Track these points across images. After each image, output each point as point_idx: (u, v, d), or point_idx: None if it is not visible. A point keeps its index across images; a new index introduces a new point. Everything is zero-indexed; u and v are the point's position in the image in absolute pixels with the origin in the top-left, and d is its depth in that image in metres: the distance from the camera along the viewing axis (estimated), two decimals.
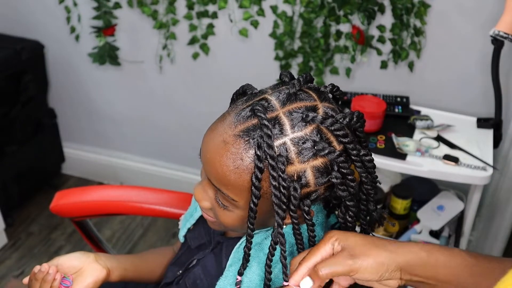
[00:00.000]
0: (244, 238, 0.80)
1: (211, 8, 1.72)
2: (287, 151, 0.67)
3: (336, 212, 0.83)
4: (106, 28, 1.83)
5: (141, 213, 1.26)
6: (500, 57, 1.36)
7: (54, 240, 2.02)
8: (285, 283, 0.70)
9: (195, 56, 1.82)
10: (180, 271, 0.92)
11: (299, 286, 0.68)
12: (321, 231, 0.81)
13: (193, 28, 1.76)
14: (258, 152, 0.67)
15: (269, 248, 0.73)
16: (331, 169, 0.69)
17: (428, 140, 1.48)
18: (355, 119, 0.71)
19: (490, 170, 1.37)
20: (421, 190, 1.65)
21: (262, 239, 0.80)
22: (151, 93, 2.01)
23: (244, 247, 0.75)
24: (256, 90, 0.75)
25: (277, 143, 0.67)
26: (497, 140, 1.51)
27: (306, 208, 0.70)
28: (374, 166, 0.74)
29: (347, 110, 0.73)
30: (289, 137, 0.68)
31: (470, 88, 1.63)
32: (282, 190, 0.67)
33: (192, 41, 1.78)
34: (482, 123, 1.53)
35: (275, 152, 0.67)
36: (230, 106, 0.76)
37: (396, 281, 0.69)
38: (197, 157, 0.76)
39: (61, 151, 2.27)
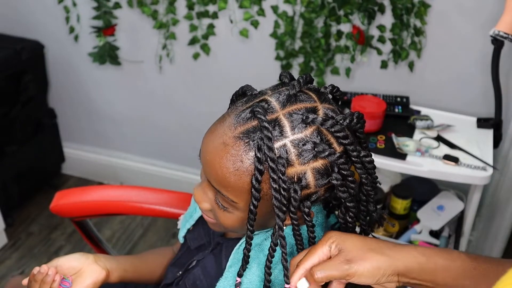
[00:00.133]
0: (243, 239, 0.80)
1: (211, 8, 1.72)
2: (287, 153, 0.67)
3: (336, 212, 0.83)
4: (106, 28, 1.83)
5: (141, 213, 1.26)
6: (500, 57, 1.36)
7: (54, 240, 2.02)
8: (287, 286, 0.70)
9: (196, 56, 1.82)
10: (180, 272, 0.92)
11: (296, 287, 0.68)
12: (321, 232, 0.81)
13: (193, 28, 1.76)
14: (258, 154, 0.66)
15: (269, 250, 0.73)
16: (331, 170, 0.69)
17: (428, 140, 1.48)
18: (355, 120, 0.71)
19: (490, 170, 1.37)
20: (421, 190, 1.65)
21: (262, 240, 0.80)
22: (151, 93, 2.01)
23: (243, 249, 0.75)
24: (256, 91, 0.74)
25: (277, 145, 0.67)
26: (497, 140, 1.51)
27: (306, 210, 0.70)
28: (374, 167, 0.74)
29: (347, 111, 0.73)
30: (289, 139, 0.67)
31: (470, 88, 1.63)
32: (283, 192, 0.67)
33: (193, 41, 1.78)
34: (482, 123, 1.53)
35: (275, 154, 0.66)
36: (229, 107, 0.76)
37: (394, 284, 0.69)
38: (197, 157, 0.75)
39: (61, 151, 2.27)
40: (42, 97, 2.12)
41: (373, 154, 0.76)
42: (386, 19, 1.59)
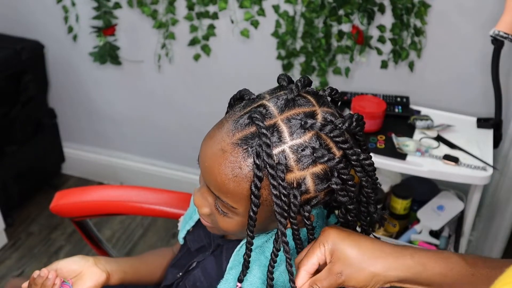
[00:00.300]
0: (243, 241, 0.80)
1: (211, 8, 1.72)
2: (286, 159, 0.67)
3: (336, 212, 0.83)
4: (106, 28, 1.83)
5: (141, 213, 1.26)
6: (500, 57, 1.36)
7: (54, 240, 2.02)
8: None
9: (197, 57, 1.82)
10: (180, 273, 0.91)
11: None
12: None
13: (193, 29, 1.76)
14: (257, 161, 0.66)
15: (271, 255, 0.73)
16: (331, 175, 0.69)
17: (428, 140, 1.48)
18: (354, 123, 0.70)
19: (490, 170, 1.37)
20: (421, 190, 1.65)
21: (262, 242, 0.80)
22: (151, 93, 2.01)
23: (244, 254, 0.75)
24: (254, 95, 0.73)
25: (276, 151, 0.67)
26: (497, 140, 1.51)
27: (307, 214, 0.70)
28: (374, 170, 0.73)
29: (346, 113, 0.73)
30: (288, 144, 0.67)
31: (470, 88, 1.63)
32: (283, 198, 0.67)
33: (193, 42, 1.78)
34: (482, 123, 1.53)
35: (274, 161, 0.66)
36: (227, 111, 0.75)
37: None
38: (197, 157, 0.75)
39: (61, 151, 2.27)
40: (42, 97, 2.12)
41: (373, 154, 0.76)
42: (386, 19, 1.59)
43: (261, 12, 1.67)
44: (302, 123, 0.68)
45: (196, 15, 1.74)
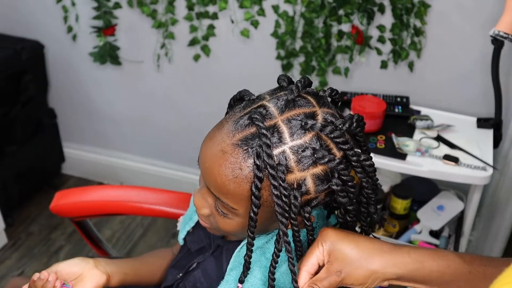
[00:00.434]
0: (244, 242, 0.80)
1: (211, 9, 1.72)
2: (286, 159, 0.67)
3: (336, 212, 0.83)
4: (106, 28, 1.83)
5: (141, 213, 1.26)
6: (500, 57, 1.36)
7: (54, 240, 2.02)
8: None
9: (197, 57, 1.82)
10: (180, 274, 0.91)
11: None
12: None
13: (193, 29, 1.76)
14: (258, 162, 0.66)
15: (272, 256, 0.73)
16: (331, 176, 0.69)
17: (428, 140, 1.48)
18: (354, 124, 0.70)
19: (490, 170, 1.37)
20: (421, 190, 1.65)
21: (263, 243, 0.79)
22: (151, 93, 2.01)
23: (244, 255, 0.74)
24: (254, 96, 0.73)
25: (276, 151, 0.66)
26: (497, 140, 1.51)
27: (307, 215, 0.70)
28: (374, 170, 0.73)
29: (346, 113, 0.73)
30: (288, 145, 0.67)
31: (470, 88, 1.63)
32: (284, 199, 0.67)
33: (193, 42, 1.78)
34: (482, 123, 1.53)
35: (274, 162, 0.66)
36: (227, 112, 0.75)
37: (385, 285, 0.70)
38: (196, 157, 0.75)
39: (61, 151, 2.27)
40: (42, 97, 2.12)
41: (373, 154, 0.76)
42: (386, 19, 1.59)
43: (261, 12, 1.67)
44: (303, 123, 0.67)
45: (196, 15, 1.74)
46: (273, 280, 0.73)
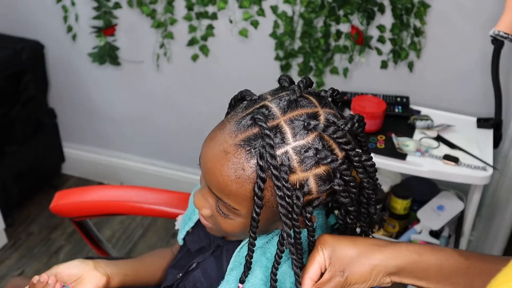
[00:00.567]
0: (244, 242, 0.80)
1: (210, 9, 1.72)
2: (289, 160, 0.67)
3: (336, 212, 0.83)
4: (107, 28, 1.83)
5: (141, 213, 1.26)
6: (500, 57, 1.36)
7: (54, 240, 2.02)
8: None
9: (195, 57, 1.82)
10: (180, 274, 0.91)
11: None
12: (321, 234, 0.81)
13: (192, 29, 1.76)
14: (261, 162, 0.66)
15: (275, 257, 0.72)
16: (333, 176, 0.69)
17: (428, 140, 1.48)
18: (356, 125, 0.70)
19: (490, 170, 1.37)
20: (421, 190, 1.65)
21: (263, 243, 0.79)
22: (151, 93, 2.01)
23: (246, 255, 0.74)
24: (255, 96, 0.73)
25: (279, 152, 0.66)
26: (497, 140, 1.51)
27: (308, 215, 0.70)
28: (375, 171, 0.73)
29: (346, 113, 0.73)
30: (291, 145, 0.67)
31: (470, 88, 1.63)
32: (287, 199, 0.67)
33: (192, 42, 1.78)
34: (482, 123, 1.53)
35: (277, 162, 0.66)
36: (228, 112, 0.75)
37: (388, 283, 0.70)
38: (197, 157, 0.75)
39: (61, 151, 2.27)
40: (42, 97, 2.12)
41: (373, 154, 0.76)
42: (386, 19, 1.59)
43: (261, 13, 1.67)
44: (305, 124, 0.67)
45: (195, 15, 1.74)
46: (275, 280, 0.73)
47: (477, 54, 1.56)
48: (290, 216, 0.68)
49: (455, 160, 1.39)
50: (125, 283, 0.94)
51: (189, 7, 1.73)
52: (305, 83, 0.71)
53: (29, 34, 2.01)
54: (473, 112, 1.60)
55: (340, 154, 0.69)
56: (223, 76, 1.87)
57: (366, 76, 1.71)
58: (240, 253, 0.80)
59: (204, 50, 1.79)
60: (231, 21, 1.71)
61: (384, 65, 1.65)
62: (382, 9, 1.56)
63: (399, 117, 1.56)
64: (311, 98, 0.71)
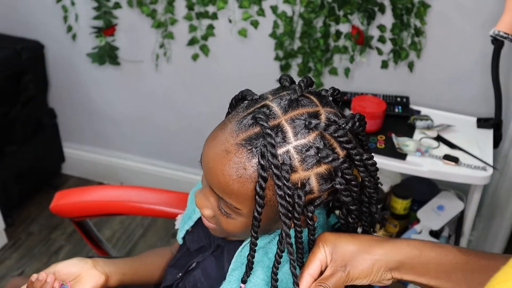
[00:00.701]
0: (246, 242, 0.80)
1: (211, 9, 1.72)
2: (290, 159, 0.67)
3: (337, 212, 0.83)
4: (107, 28, 1.83)
5: (141, 213, 1.26)
6: (500, 57, 1.36)
7: (54, 240, 2.02)
8: None
9: (195, 57, 1.82)
10: (180, 274, 0.91)
11: None
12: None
13: (193, 29, 1.76)
14: (262, 162, 0.66)
15: (275, 256, 0.72)
16: (334, 175, 0.69)
17: (428, 140, 1.48)
18: (357, 124, 0.71)
19: (490, 170, 1.37)
20: (421, 190, 1.65)
21: (265, 243, 0.79)
22: (151, 93, 2.01)
23: (247, 255, 0.74)
24: (256, 95, 0.73)
25: (280, 151, 0.66)
26: (497, 140, 1.51)
27: (310, 214, 0.70)
28: (376, 170, 0.74)
29: (348, 113, 0.73)
30: (292, 144, 0.67)
31: (470, 88, 1.63)
32: (288, 199, 0.67)
33: (192, 42, 1.78)
34: (482, 123, 1.53)
35: (279, 161, 0.66)
36: (229, 111, 0.75)
37: (389, 280, 0.70)
38: (197, 157, 0.75)
39: (61, 151, 2.27)
40: (42, 97, 2.12)
41: (373, 154, 0.76)
42: (387, 19, 1.59)
43: (261, 12, 1.67)
44: (306, 123, 0.68)
45: (195, 15, 1.74)
46: (276, 280, 0.73)
47: (477, 54, 1.56)
48: (290, 215, 0.68)
49: (455, 160, 1.39)
50: (123, 282, 0.94)
51: (190, 7, 1.73)
52: (306, 82, 0.72)
53: (29, 34, 2.00)
54: (473, 112, 1.60)
55: (341, 153, 0.69)
56: (223, 76, 1.87)
57: (366, 76, 1.71)
58: (242, 253, 0.80)
59: (205, 49, 1.79)
60: (230, 21, 1.71)
61: (384, 65, 1.65)
62: (382, 9, 1.56)
63: (399, 117, 1.56)
64: (312, 97, 0.71)
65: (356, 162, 0.70)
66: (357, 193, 0.71)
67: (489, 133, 1.51)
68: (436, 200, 1.62)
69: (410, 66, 1.63)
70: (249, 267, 0.75)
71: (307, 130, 0.68)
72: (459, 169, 1.38)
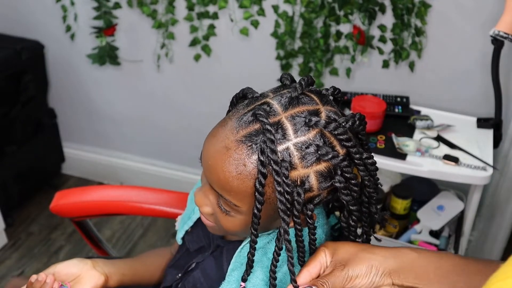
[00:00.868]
0: (245, 242, 0.80)
1: (211, 8, 1.72)
2: (290, 156, 0.67)
3: (337, 213, 0.83)
4: (107, 28, 1.83)
5: (141, 213, 1.26)
6: (500, 57, 1.36)
7: (54, 240, 2.02)
8: None
9: (197, 57, 1.82)
10: (179, 274, 0.91)
11: None
12: (322, 233, 0.81)
13: (194, 29, 1.76)
14: (262, 158, 0.66)
15: (273, 254, 0.72)
16: (334, 173, 0.69)
17: (428, 140, 1.48)
18: (357, 122, 0.71)
19: (490, 170, 1.37)
20: (421, 190, 1.65)
21: (265, 243, 0.79)
22: (151, 93, 2.01)
23: (247, 253, 0.74)
24: (257, 93, 0.73)
25: (280, 148, 0.66)
26: (497, 140, 1.51)
27: (309, 213, 0.70)
28: (376, 169, 0.73)
29: (348, 112, 0.73)
30: (292, 142, 0.67)
31: (470, 88, 1.63)
32: (286, 196, 0.67)
33: (194, 42, 1.78)
34: (482, 123, 1.53)
35: (278, 157, 0.66)
36: (229, 109, 0.75)
37: (388, 286, 0.70)
38: (197, 157, 0.75)
39: (61, 151, 2.27)
40: (42, 97, 2.12)
41: (373, 154, 0.76)
42: (387, 19, 1.59)
43: (261, 12, 1.67)
44: (307, 120, 0.68)
45: (196, 15, 1.74)
46: (274, 279, 0.73)
47: (477, 54, 1.56)
48: (288, 212, 0.68)
49: (455, 160, 1.39)
50: (123, 283, 0.94)
51: (190, 7, 1.73)
52: (306, 81, 0.72)
53: (29, 34, 2.01)
54: (473, 112, 1.60)
55: (341, 151, 0.69)
56: (223, 76, 1.87)
57: (366, 76, 1.71)
58: (241, 253, 0.80)
59: (206, 49, 1.79)
60: (231, 20, 1.71)
61: (385, 64, 1.65)
62: (383, 9, 1.56)
63: (399, 117, 1.56)
64: (312, 95, 0.71)
65: (355, 161, 0.70)
66: (357, 192, 0.71)
67: (489, 133, 1.51)
68: (436, 200, 1.62)
69: (411, 66, 1.63)
70: (250, 265, 0.75)
71: (307, 128, 0.68)
72: (459, 169, 1.38)
